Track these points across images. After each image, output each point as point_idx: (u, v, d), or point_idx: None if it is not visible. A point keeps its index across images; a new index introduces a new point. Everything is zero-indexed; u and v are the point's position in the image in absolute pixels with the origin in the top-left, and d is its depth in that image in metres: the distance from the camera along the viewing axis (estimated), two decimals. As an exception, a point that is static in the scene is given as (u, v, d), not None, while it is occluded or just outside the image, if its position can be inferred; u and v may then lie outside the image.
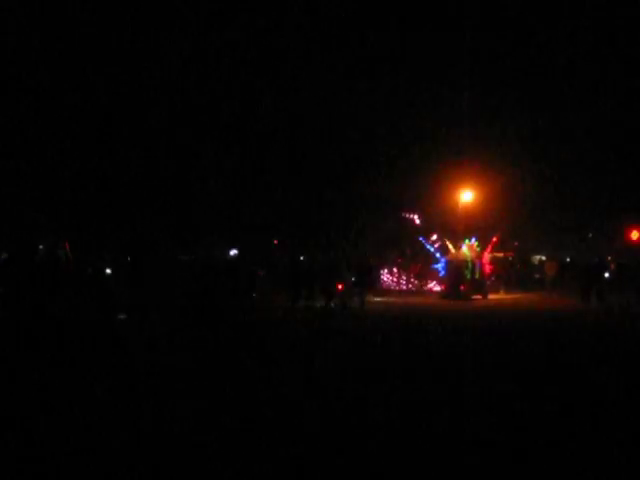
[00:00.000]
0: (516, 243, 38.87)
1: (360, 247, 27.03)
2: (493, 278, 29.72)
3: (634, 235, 35.21)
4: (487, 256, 28.77)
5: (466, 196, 30.22)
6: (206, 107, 27.19)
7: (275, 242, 32.14)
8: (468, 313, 20.75)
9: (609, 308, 20.95)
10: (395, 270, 31.35)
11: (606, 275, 26.91)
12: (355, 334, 14.76)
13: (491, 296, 27.93)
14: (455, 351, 11.84)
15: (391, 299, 26.67)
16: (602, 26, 32.31)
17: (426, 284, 31.21)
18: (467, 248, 28.30)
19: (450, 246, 28.71)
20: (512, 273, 34.82)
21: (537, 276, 35.56)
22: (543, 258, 37.98)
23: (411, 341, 13.55)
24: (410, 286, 31.03)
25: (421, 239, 29.73)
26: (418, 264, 30.65)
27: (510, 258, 35.96)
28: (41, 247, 23.02)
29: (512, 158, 31.39)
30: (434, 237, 30.62)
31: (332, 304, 21.00)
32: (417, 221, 33.02)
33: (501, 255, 33.35)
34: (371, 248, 31.68)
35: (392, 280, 31.21)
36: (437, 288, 29.75)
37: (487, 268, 28.71)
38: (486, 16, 31.28)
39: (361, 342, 13.42)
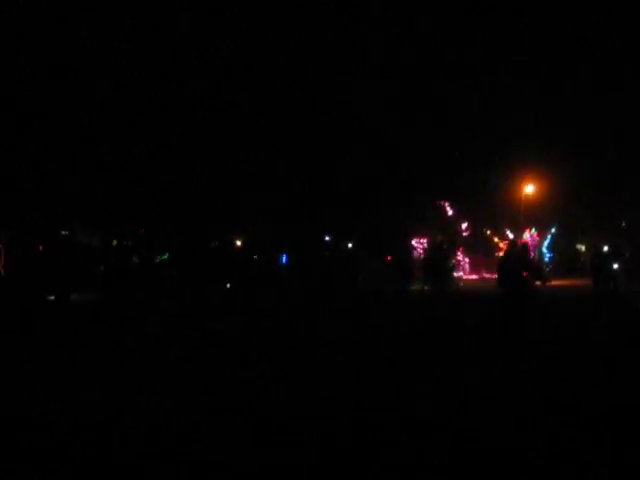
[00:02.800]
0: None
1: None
2: (551, 266, 31.51)
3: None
4: (546, 245, 30.65)
5: (528, 189, 31.95)
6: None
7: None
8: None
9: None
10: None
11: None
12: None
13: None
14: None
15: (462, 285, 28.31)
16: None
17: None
18: (529, 237, 30.10)
19: (511, 235, 30.49)
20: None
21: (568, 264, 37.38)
22: (582, 248, 39.69)
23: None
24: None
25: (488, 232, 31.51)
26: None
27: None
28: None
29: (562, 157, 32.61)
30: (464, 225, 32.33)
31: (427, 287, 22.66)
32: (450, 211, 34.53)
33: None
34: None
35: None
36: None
37: (546, 256, 30.58)
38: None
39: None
